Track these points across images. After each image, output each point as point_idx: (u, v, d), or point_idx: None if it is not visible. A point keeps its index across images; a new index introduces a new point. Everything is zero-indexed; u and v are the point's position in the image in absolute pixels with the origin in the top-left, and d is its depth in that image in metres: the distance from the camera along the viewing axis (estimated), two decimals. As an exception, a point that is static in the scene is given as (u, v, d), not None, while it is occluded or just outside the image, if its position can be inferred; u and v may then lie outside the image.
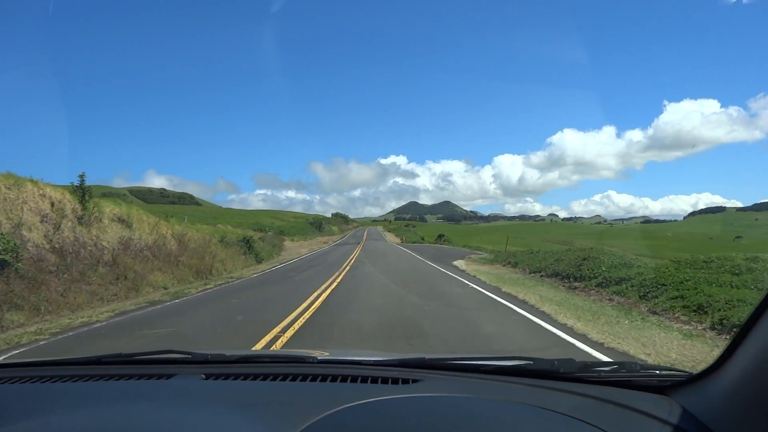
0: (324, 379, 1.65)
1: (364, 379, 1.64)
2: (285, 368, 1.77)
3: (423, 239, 62.63)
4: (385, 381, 1.62)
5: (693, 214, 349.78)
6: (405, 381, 1.60)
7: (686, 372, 1.45)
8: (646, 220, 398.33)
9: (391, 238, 72.04)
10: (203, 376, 1.71)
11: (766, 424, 1.01)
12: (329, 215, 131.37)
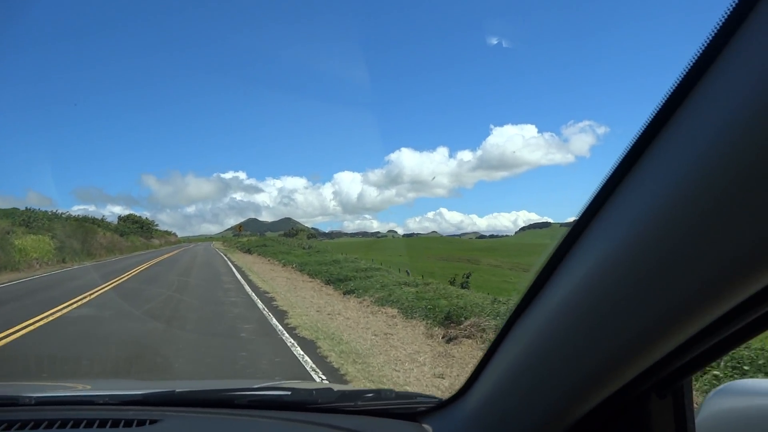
0: (37, 425, 1.30)
1: (90, 423, 1.32)
2: None
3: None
4: (115, 424, 1.31)
5: (524, 229, 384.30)
6: (141, 422, 1.32)
7: (436, 398, 1.39)
8: (480, 236, 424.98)
9: (259, 281, 15.27)
10: None
11: None
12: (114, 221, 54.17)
